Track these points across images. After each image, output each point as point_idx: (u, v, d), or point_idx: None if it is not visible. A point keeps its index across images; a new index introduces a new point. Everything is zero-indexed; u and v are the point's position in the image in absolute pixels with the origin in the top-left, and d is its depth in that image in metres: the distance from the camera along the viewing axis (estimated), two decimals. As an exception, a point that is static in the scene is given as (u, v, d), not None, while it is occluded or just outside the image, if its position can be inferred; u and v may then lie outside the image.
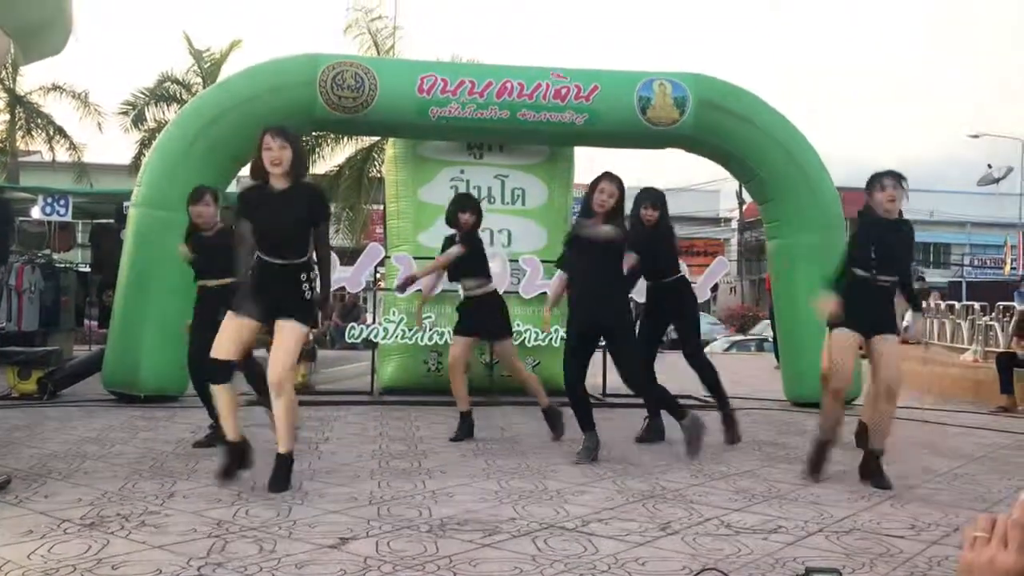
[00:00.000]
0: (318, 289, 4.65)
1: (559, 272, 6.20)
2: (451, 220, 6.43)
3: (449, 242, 6.46)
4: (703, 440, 5.63)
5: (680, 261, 6.64)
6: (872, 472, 4.93)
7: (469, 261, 6.32)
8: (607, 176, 5.61)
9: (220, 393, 4.63)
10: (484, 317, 6.35)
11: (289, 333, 4.50)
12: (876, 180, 5.04)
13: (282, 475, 4.50)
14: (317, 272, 4.64)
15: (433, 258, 8.25)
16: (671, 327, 6.75)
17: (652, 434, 6.36)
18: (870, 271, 5.00)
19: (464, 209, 6.37)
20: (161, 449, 5.66)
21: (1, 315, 10.94)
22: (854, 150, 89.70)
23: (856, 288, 5.04)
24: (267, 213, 4.52)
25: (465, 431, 6.33)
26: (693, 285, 8.71)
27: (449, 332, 7.58)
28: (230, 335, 4.54)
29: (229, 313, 4.56)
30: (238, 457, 4.62)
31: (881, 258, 5.00)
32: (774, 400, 9.17)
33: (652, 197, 6.34)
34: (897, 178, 5.01)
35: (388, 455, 5.61)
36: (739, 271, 39.59)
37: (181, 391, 7.46)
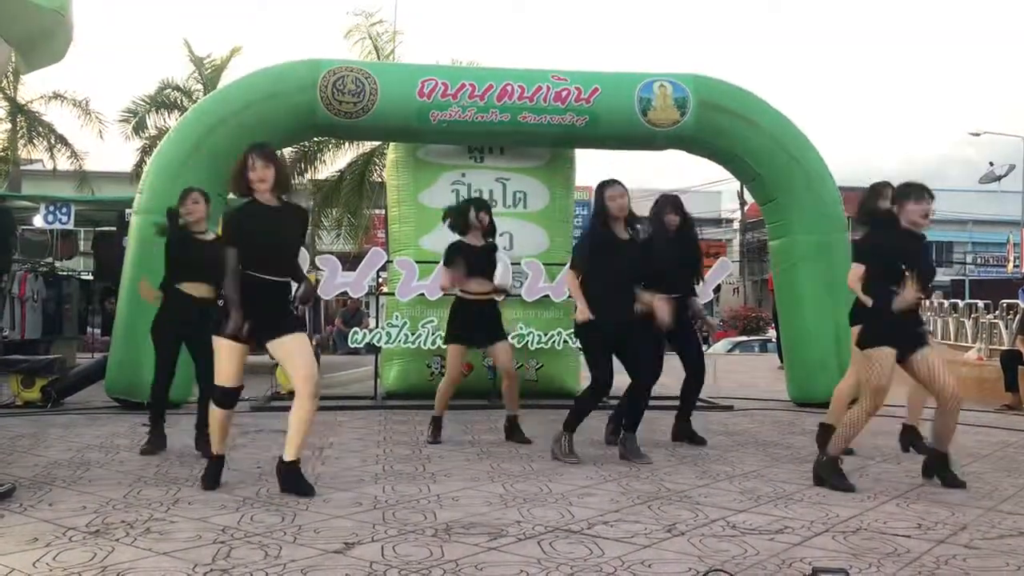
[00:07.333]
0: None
1: (570, 271, 5.87)
2: (461, 225, 6.40)
3: (453, 251, 6.35)
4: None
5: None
6: (939, 471, 4.95)
7: (489, 261, 6.31)
8: (610, 183, 5.64)
9: (219, 414, 4.64)
10: (486, 323, 6.33)
11: (300, 341, 4.58)
12: (917, 190, 4.79)
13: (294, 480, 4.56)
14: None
15: (435, 262, 8.29)
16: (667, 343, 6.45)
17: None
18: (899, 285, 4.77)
19: (480, 208, 6.45)
20: (165, 456, 5.66)
21: (4, 324, 10.95)
22: (855, 149, 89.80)
23: (888, 303, 4.82)
24: (263, 231, 4.55)
25: (438, 433, 6.36)
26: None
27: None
28: (232, 362, 4.54)
29: (222, 339, 4.51)
30: (220, 469, 4.73)
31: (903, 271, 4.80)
32: (778, 400, 9.15)
33: (674, 204, 6.33)
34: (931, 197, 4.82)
35: (392, 459, 5.61)
36: (742, 272, 39.61)
37: (184, 398, 7.45)
